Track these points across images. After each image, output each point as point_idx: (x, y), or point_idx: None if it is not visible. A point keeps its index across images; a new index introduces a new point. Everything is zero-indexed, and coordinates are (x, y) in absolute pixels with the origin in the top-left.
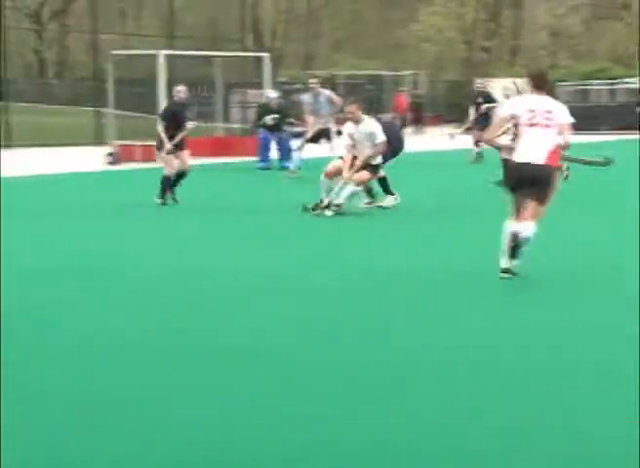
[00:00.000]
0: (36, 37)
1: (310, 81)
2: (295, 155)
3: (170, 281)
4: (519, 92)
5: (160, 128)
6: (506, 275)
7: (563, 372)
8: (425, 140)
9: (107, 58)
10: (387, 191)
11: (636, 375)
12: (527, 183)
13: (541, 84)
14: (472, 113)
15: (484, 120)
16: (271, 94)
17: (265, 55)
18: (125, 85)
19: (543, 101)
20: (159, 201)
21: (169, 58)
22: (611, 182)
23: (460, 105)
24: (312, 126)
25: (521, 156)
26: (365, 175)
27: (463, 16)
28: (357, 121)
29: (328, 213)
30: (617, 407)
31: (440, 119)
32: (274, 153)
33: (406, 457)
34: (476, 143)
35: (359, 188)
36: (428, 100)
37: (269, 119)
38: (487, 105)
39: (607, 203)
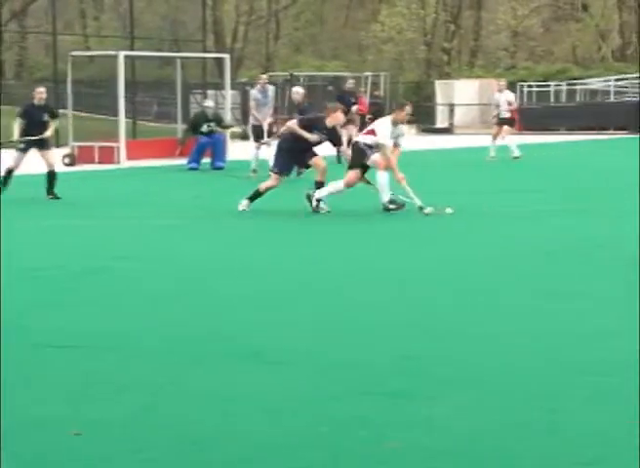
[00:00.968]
0: None
1: (261, 76)
2: (254, 154)
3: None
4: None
5: (15, 124)
6: None
7: None
8: None
9: (67, 60)
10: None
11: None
12: None
13: None
14: None
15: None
16: (208, 103)
17: (226, 56)
18: (84, 86)
19: None
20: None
21: (129, 58)
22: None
23: (420, 106)
24: (263, 121)
25: None
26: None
27: (424, 17)
28: (401, 122)
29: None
30: None
31: None
32: (206, 156)
33: None
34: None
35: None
36: (388, 101)
37: (205, 127)
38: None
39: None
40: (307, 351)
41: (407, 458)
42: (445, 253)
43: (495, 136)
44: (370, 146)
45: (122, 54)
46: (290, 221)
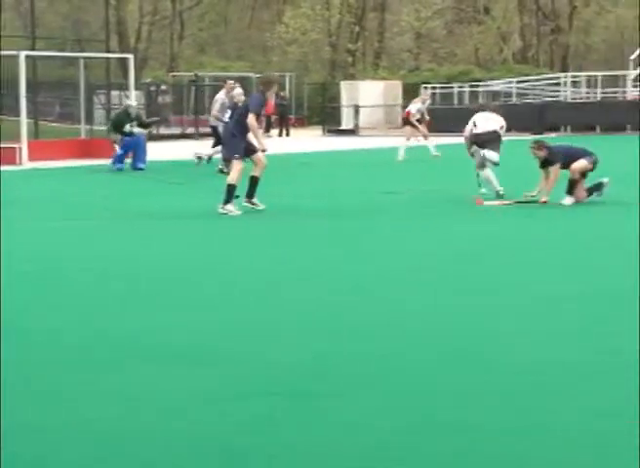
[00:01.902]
0: None
1: (228, 81)
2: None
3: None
4: None
5: None
6: None
7: None
8: (291, 142)
9: None
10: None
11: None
12: None
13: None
14: None
15: None
16: (131, 101)
17: (130, 56)
18: None
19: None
20: None
21: (30, 58)
22: None
23: (326, 107)
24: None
25: None
26: None
27: (329, 18)
28: None
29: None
30: None
31: (305, 121)
32: (128, 156)
33: None
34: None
35: None
36: (293, 102)
37: (128, 127)
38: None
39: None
40: (215, 351)
41: (313, 458)
42: (346, 254)
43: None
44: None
45: (23, 53)
46: (204, 220)
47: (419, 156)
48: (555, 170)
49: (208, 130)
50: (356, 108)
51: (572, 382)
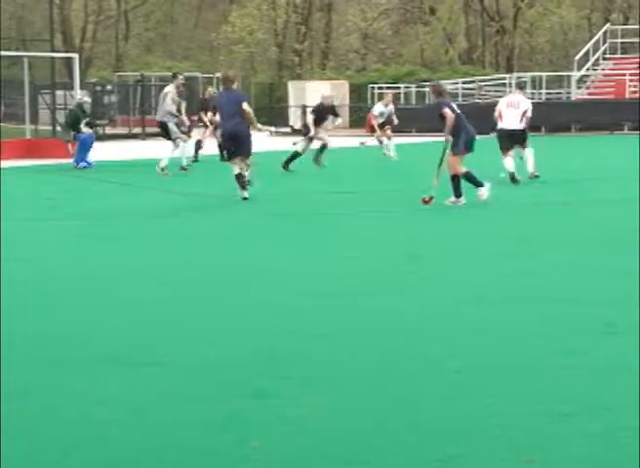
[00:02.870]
0: None
1: (179, 76)
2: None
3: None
4: None
5: None
6: None
7: None
8: None
9: None
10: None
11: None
12: None
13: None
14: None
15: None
16: (85, 97)
17: (75, 55)
18: None
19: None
20: None
21: None
22: None
23: (273, 107)
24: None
25: None
26: None
27: (275, 18)
28: None
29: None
30: None
31: None
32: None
33: None
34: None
35: None
36: None
37: (84, 123)
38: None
39: None
40: (173, 352)
41: (270, 457)
42: (299, 253)
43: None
44: None
45: None
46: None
47: (374, 156)
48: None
49: (155, 130)
50: (304, 108)
51: (521, 383)
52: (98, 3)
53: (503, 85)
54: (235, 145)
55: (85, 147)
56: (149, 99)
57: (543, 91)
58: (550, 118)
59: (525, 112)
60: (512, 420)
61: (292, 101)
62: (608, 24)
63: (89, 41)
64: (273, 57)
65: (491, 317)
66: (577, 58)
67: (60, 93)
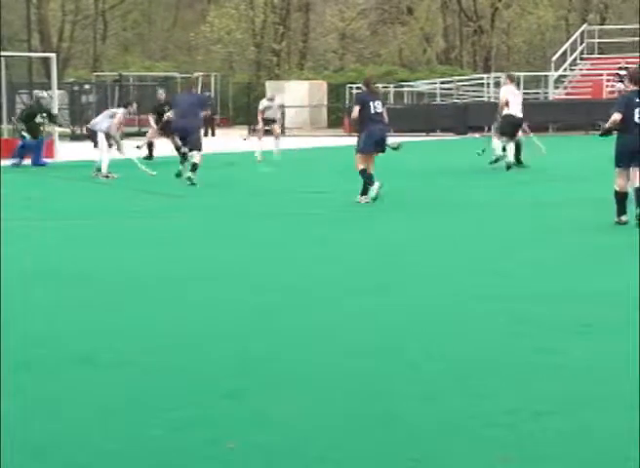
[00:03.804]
0: None
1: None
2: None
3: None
4: None
5: None
6: None
7: None
8: (216, 142)
9: None
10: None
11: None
12: None
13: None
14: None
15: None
16: (43, 93)
17: (52, 55)
18: None
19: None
20: None
21: None
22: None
23: (251, 107)
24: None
25: None
26: None
27: (253, 18)
28: None
29: None
30: None
31: (230, 121)
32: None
33: None
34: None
35: None
36: (218, 102)
37: (39, 118)
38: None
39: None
40: (141, 353)
41: (244, 457)
42: (270, 254)
43: None
44: None
45: None
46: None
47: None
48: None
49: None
50: (282, 108)
51: (499, 382)
52: (75, 3)
53: (481, 85)
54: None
55: (25, 149)
56: (127, 99)
57: (521, 91)
58: (528, 118)
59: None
60: (489, 419)
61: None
62: (585, 25)
63: (66, 41)
64: (251, 56)
65: (466, 316)
66: (554, 58)
67: (37, 92)
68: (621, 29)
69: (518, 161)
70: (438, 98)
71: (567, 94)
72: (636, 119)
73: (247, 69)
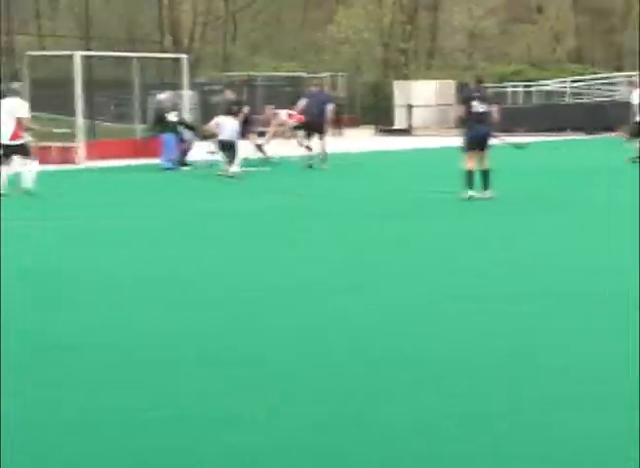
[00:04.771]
0: None
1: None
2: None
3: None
4: None
5: None
6: None
7: None
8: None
9: (23, 60)
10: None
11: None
12: None
13: None
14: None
15: None
16: (160, 95)
17: (183, 56)
18: (41, 86)
19: None
20: None
21: (86, 59)
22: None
23: (379, 107)
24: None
25: None
26: None
27: (381, 17)
28: None
29: None
30: None
31: (358, 120)
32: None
33: None
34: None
35: None
36: (347, 102)
37: (173, 117)
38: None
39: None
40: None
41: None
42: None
43: None
44: None
45: (78, 53)
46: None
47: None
48: None
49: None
50: (409, 108)
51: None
52: (206, 4)
53: (613, 84)
54: None
55: (168, 147)
56: (255, 100)
57: None
58: None
59: None
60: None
61: (397, 101)
62: None
63: (197, 41)
64: (379, 56)
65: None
66: None
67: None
68: None
69: None
70: (567, 98)
71: None
72: None
73: (374, 69)
